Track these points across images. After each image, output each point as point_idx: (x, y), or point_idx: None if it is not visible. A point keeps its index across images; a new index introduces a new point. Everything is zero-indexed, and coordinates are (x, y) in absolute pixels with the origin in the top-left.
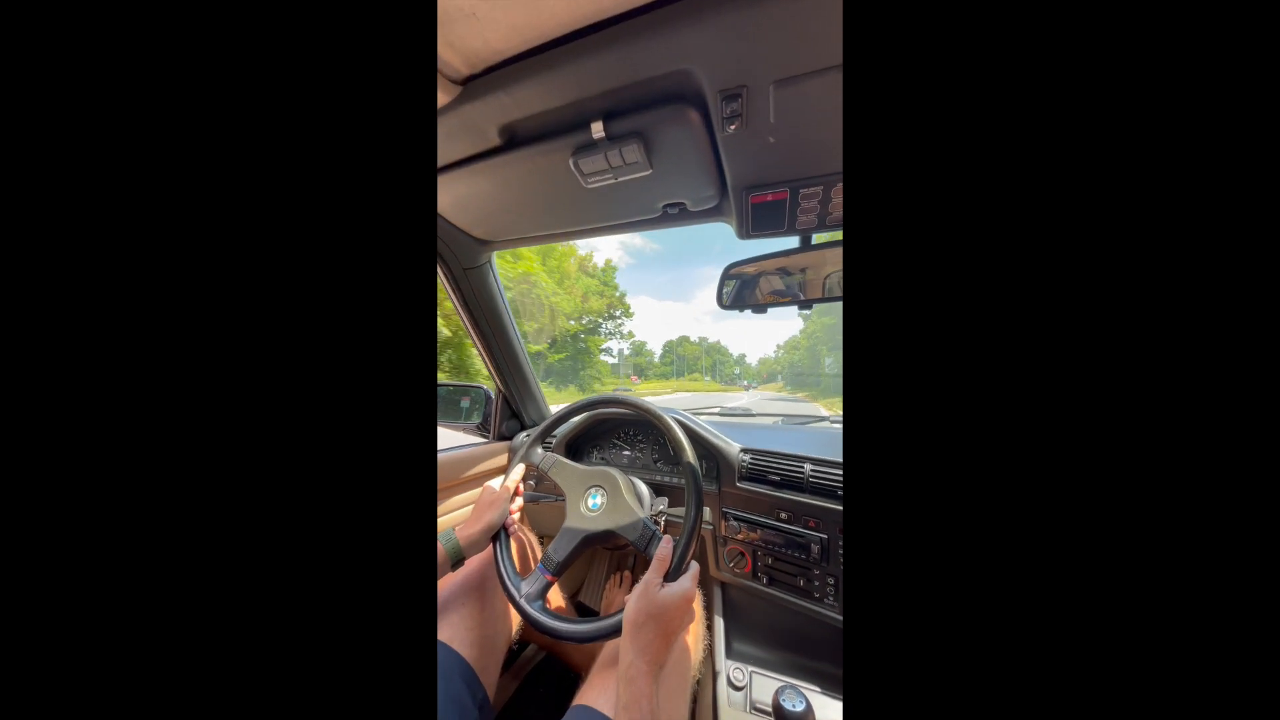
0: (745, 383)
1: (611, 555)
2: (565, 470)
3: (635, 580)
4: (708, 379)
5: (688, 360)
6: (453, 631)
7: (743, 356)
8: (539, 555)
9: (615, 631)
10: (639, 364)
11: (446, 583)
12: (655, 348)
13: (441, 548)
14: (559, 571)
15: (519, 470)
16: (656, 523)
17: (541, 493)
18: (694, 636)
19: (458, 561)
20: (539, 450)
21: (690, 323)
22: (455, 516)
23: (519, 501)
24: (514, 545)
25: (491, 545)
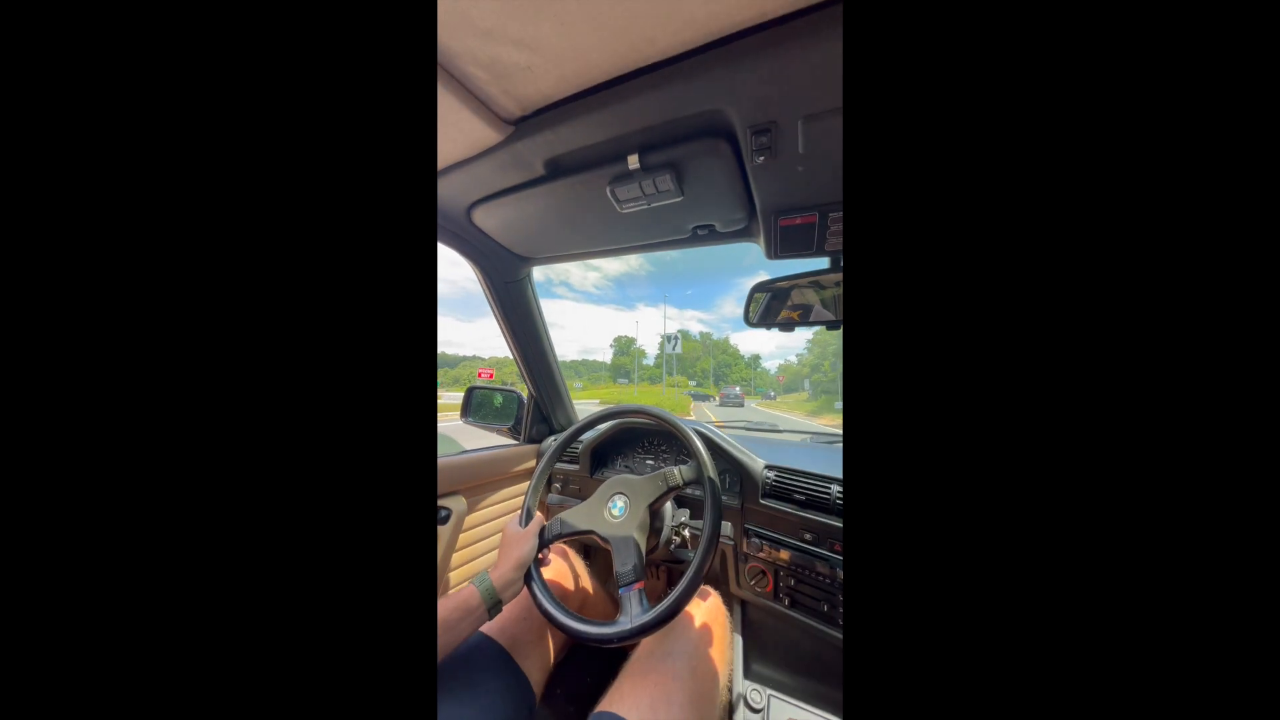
0: (734, 392)
1: None
2: (577, 514)
3: (672, 584)
4: (694, 384)
5: (685, 361)
6: (530, 663)
7: (756, 358)
8: (578, 564)
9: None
10: (623, 364)
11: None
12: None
13: (475, 591)
14: (644, 574)
15: (538, 518)
16: (679, 534)
17: (566, 495)
18: (719, 652)
19: (494, 607)
20: (540, 517)
21: (708, 331)
22: (483, 514)
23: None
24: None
25: (531, 596)
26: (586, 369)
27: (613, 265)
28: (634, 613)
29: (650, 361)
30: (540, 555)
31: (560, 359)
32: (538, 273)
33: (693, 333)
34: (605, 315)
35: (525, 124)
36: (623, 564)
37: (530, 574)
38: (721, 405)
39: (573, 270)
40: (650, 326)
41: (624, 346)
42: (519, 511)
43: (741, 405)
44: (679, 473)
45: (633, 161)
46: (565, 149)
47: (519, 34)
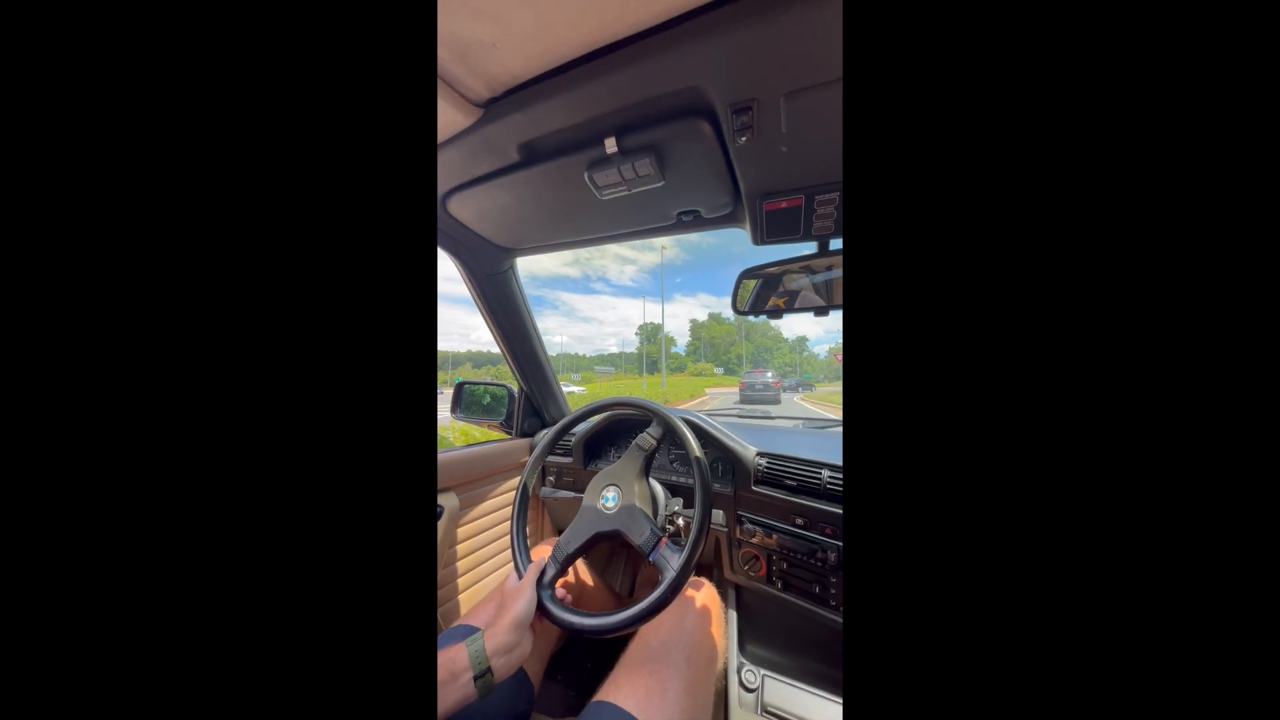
0: (760, 380)
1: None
2: (573, 534)
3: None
4: (719, 372)
5: (718, 347)
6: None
7: (802, 341)
8: (592, 583)
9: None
10: (649, 352)
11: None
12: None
13: (464, 653)
14: (662, 531)
15: (532, 568)
16: (673, 523)
17: (560, 488)
18: (714, 640)
19: (483, 677)
20: (535, 565)
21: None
22: (476, 509)
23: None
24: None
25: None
26: (623, 360)
27: (649, 256)
28: (675, 564)
29: (681, 350)
30: (560, 595)
31: (598, 353)
32: (576, 269)
33: (727, 317)
34: (643, 307)
35: (495, 106)
36: (639, 535)
37: (546, 609)
38: (743, 400)
39: (609, 264)
40: (685, 313)
41: (649, 332)
42: (512, 558)
43: (777, 402)
44: (648, 435)
45: (610, 145)
46: (539, 132)
47: (479, 5)
